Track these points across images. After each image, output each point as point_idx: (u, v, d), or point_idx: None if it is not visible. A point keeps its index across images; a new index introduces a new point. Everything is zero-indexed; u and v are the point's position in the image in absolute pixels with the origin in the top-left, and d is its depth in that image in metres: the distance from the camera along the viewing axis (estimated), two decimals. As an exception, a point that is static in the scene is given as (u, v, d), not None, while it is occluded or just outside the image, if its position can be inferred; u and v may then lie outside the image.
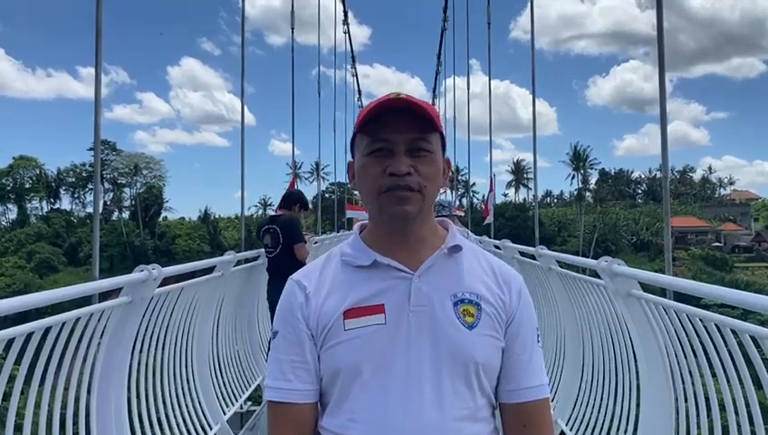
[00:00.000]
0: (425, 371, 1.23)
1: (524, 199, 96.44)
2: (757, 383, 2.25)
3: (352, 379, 1.24)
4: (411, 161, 1.25)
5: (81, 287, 2.70)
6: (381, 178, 1.26)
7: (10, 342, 2.28)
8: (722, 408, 2.60)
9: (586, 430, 4.34)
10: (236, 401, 5.57)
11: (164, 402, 4.10)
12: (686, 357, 2.87)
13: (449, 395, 1.23)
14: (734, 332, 2.33)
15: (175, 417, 4.19)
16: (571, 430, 4.53)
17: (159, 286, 3.53)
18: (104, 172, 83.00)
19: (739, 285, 67.72)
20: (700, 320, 2.56)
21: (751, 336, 2.19)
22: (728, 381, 2.46)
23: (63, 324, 2.63)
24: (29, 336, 2.40)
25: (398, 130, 1.25)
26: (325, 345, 1.26)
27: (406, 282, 1.27)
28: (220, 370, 5.44)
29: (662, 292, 3.30)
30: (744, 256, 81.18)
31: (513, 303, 1.32)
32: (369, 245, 1.33)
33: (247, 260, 6.42)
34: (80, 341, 2.86)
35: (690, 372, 2.88)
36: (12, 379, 2.30)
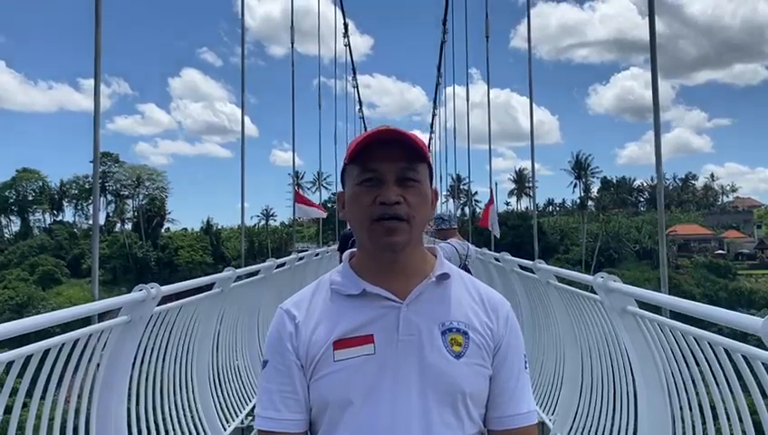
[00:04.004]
0: (413, 401, 1.24)
1: (527, 208, 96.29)
2: (750, 401, 2.26)
3: (341, 410, 1.25)
4: (400, 191, 1.28)
5: (78, 309, 2.72)
6: (372, 208, 1.28)
7: (9, 365, 2.30)
8: (716, 421, 2.61)
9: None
10: (237, 416, 5.56)
11: (164, 420, 4.11)
12: (681, 374, 2.88)
13: (437, 425, 1.24)
14: (726, 351, 2.35)
15: (175, 434, 4.20)
16: (570, 444, 4.53)
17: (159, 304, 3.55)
18: (107, 184, 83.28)
19: (743, 292, 67.59)
20: (694, 338, 2.58)
21: (743, 356, 2.20)
22: (722, 400, 2.48)
23: (63, 346, 2.66)
24: (28, 359, 2.42)
25: (387, 161, 1.28)
26: (315, 376, 1.28)
27: (394, 311, 1.29)
28: (220, 385, 5.44)
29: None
30: (747, 264, 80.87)
31: (500, 330, 1.34)
32: (358, 273, 1.35)
33: (249, 275, 6.43)
34: (79, 361, 2.88)
35: (686, 389, 2.89)
36: (10, 401, 2.32)
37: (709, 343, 2.45)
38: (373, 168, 1.29)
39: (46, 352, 2.56)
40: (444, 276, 1.35)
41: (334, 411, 1.26)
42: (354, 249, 1.43)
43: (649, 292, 3.08)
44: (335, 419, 1.26)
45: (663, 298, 2.88)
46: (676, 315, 2.82)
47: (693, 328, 2.59)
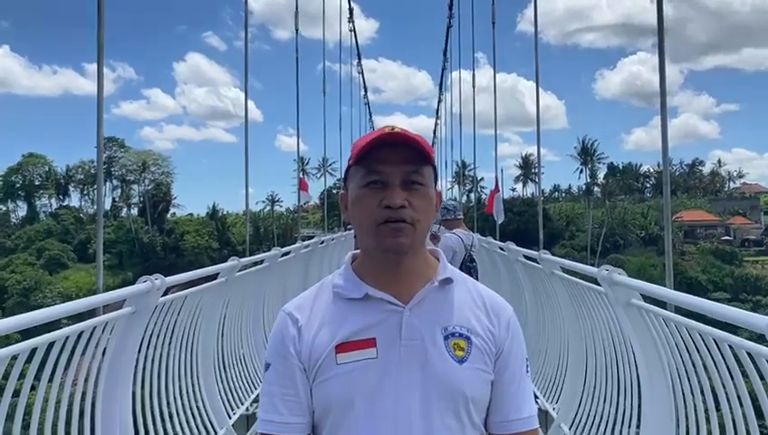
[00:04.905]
0: (415, 405, 1.25)
1: (532, 194, 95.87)
2: (753, 396, 2.26)
3: (343, 414, 1.26)
4: (405, 194, 1.28)
5: (83, 302, 2.74)
6: (377, 211, 1.28)
7: (14, 358, 2.33)
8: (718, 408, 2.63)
9: (589, 434, 4.35)
10: (242, 403, 5.60)
11: (168, 408, 4.14)
12: (685, 368, 2.88)
13: (439, 430, 1.25)
14: (731, 347, 2.35)
15: (180, 423, 4.23)
16: (574, 434, 4.54)
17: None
18: (112, 169, 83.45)
19: (749, 278, 67.38)
20: (699, 334, 2.58)
21: (748, 353, 2.20)
22: (726, 394, 2.49)
23: (67, 338, 2.67)
24: (33, 351, 2.44)
25: (392, 164, 1.28)
26: (317, 379, 1.28)
27: (397, 315, 1.29)
28: (226, 373, 5.47)
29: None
30: (753, 250, 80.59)
31: (502, 335, 1.34)
32: (360, 276, 1.35)
33: (254, 264, 6.44)
34: (84, 351, 2.90)
35: (690, 384, 2.89)
36: (18, 385, 2.35)
37: (714, 340, 2.45)
38: (378, 170, 1.28)
39: (52, 343, 2.58)
40: (447, 281, 1.35)
41: (336, 415, 1.27)
42: (356, 251, 1.42)
43: (654, 286, 3.06)
44: (337, 422, 1.27)
45: (668, 293, 2.86)
46: (682, 308, 2.82)
47: (698, 323, 2.58)
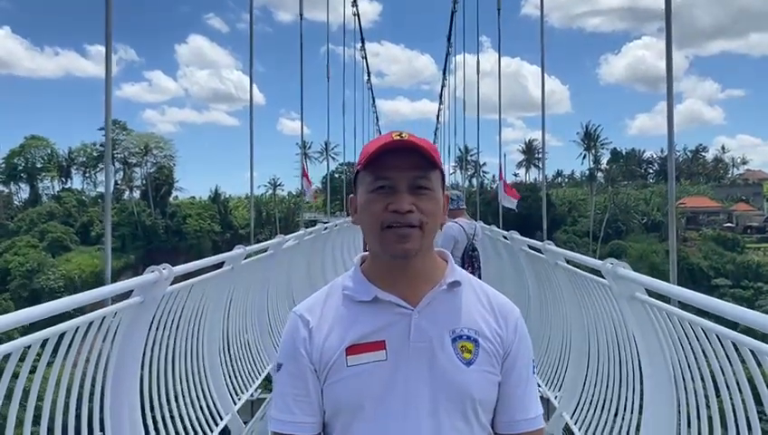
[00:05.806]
0: (423, 407, 1.28)
1: (535, 179, 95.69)
2: (754, 391, 2.29)
3: (353, 414, 1.29)
4: (412, 199, 1.30)
5: (92, 293, 2.77)
6: (383, 215, 1.30)
7: (27, 349, 2.37)
8: (721, 410, 2.66)
9: (590, 424, 4.40)
10: (247, 389, 5.66)
11: (175, 395, 4.19)
12: (688, 363, 2.90)
13: (447, 431, 1.28)
14: (734, 344, 2.37)
15: (187, 410, 4.28)
16: (575, 423, 4.59)
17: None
18: (115, 152, 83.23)
19: (750, 265, 67.37)
20: (702, 329, 2.60)
21: (750, 350, 2.22)
22: (728, 389, 2.52)
23: (77, 329, 2.71)
24: (44, 342, 2.48)
25: (400, 169, 1.30)
26: (328, 381, 1.31)
27: (406, 318, 1.32)
28: (230, 359, 5.52)
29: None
30: (756, 237, 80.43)
31: (509, 337, 1.36)
32: (369, 278, 1.37)
33: (258, 251, 6.48)
34: (94, 340, 2.95)
35: (691, 372, 2.92)
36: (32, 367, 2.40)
37: (717, 336, 2.47)
38: (386, 176, 1.31)
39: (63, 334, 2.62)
40: (455, 284, 1.37)
41: (347, 416, 1.30)
42: (365, 253, 1.45)
43: (658, 281, 3.08)
44: (347, 423, 1.30)
45: (673, 289, 2.87)
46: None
47: (701, 319, 2.60)
